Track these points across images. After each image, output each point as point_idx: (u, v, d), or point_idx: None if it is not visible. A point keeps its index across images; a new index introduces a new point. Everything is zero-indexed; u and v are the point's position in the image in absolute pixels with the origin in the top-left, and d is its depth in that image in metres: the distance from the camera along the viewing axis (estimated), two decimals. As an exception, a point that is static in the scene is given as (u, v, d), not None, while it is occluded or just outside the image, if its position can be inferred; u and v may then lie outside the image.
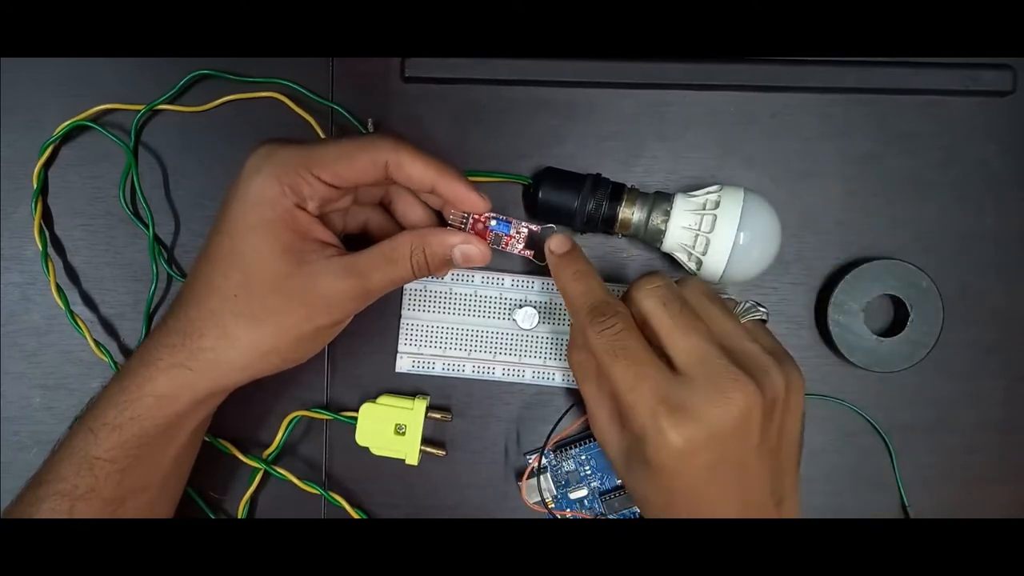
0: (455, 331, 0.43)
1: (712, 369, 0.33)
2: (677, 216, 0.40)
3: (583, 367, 0.39)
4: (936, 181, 0.44)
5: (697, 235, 0.40)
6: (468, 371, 0.44)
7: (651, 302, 0.35)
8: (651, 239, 0.41)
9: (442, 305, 0.43)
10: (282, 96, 0.43)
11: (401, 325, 0.44)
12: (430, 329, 0.44)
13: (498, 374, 0.44)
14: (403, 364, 0.44)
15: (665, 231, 0.40)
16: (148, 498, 0.37)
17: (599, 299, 0.36)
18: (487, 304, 0.43)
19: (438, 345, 0.43)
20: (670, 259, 0.43)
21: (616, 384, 0.34)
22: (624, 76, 0.43)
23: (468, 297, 0.43)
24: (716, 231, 0.39)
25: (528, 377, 0.43)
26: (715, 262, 0.40)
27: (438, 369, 0.44)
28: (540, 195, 0.41)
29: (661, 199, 0.41)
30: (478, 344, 0.43)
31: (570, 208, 0.41)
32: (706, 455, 0.33)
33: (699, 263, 0.40)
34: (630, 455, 0.36)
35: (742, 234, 0.39)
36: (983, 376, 0.44)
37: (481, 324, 0.43)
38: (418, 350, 0.44)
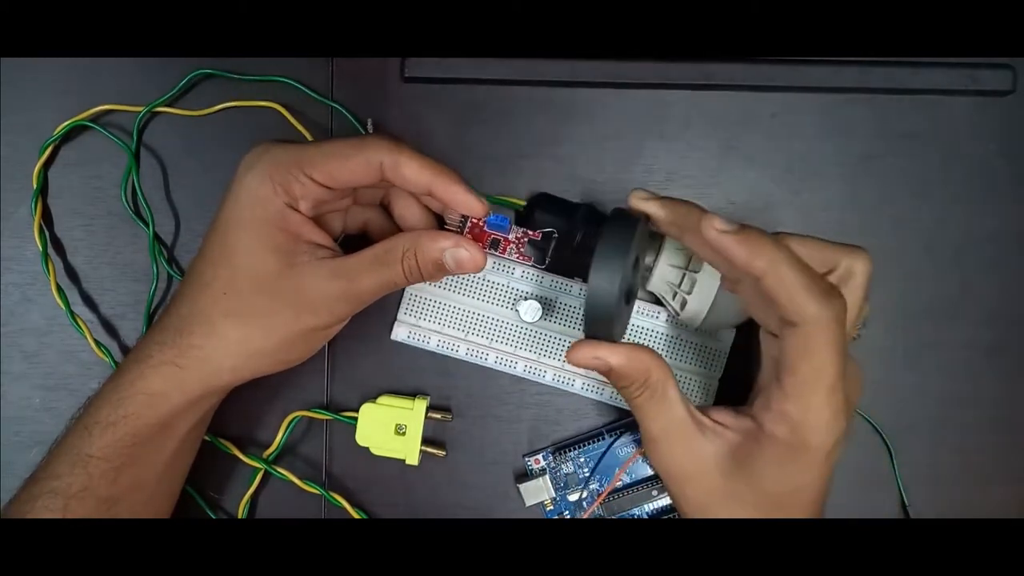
0: (456, 310, 0.43)
1: None
2: (666, 254, 0.39)
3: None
4: (936, 181, 0.44)
5: (685, 273, 0.39)
6: (462, 352, 0.43)
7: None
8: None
9: (448, 282, 0.43)
10: (280, 107, 0.43)
11: (404, 293, 0.43)
12: (432, 303, 0.43)
13: (491, 361, 0.43)
14: (399, 332, 0.43)
15: (653, 268, 0.39)
16: (143, 498, 0.37)
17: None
18: (493, 290, 0.43)
19: (437, 320, 0.43)
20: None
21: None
22: (624, 76, 0.43)
23: (476, 279, 0.43)
24: (703, 272, 0.38)
25: (520, 369, 0.43)
26: (701, 300, 0.39)
27: (432, 344, 0.43)
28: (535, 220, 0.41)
29: (651, 237, 0.39)
30: (476, 327, 0.43)
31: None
32: None
33: (683, 303, 0.39)
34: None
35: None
36: (983, 376, 0.44)
37: (483, 308, 0.43)
38: (416, 321, 0.43)
